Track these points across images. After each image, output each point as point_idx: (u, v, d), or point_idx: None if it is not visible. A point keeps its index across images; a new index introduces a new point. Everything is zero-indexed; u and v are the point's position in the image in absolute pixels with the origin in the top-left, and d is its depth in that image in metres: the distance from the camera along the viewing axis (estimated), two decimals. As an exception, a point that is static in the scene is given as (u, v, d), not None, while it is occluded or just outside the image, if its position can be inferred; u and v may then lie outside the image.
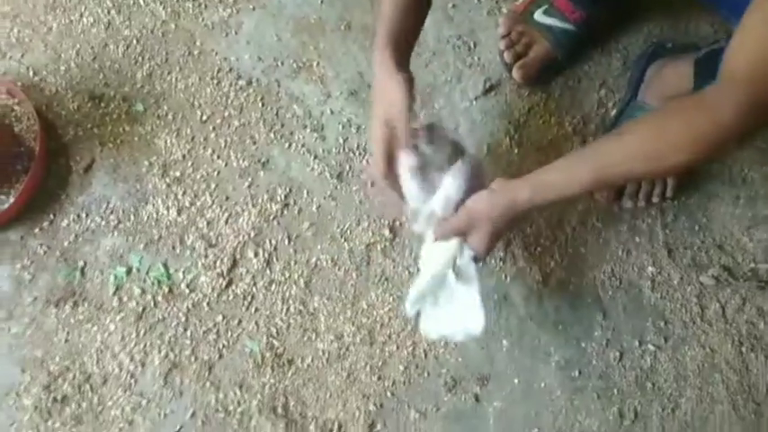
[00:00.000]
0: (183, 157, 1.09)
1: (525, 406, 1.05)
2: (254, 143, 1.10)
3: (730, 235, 1.13)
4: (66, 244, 1.05)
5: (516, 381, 1.05)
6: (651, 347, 1.08)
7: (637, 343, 1.08)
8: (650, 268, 1.11)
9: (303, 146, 1.11)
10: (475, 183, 0.91)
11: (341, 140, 1.11)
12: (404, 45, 0.87)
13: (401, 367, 1.04)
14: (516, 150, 1.13)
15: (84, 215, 1.07)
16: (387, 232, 1.08)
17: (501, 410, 1.04)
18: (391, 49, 0.84)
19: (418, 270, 0.94)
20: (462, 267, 0.88)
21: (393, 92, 0.84)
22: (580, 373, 1.07)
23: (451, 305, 0.89)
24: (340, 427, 1.01)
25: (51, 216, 1.06)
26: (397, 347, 1.05)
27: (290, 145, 1.11)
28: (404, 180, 0.92)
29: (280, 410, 1.01)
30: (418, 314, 0.91)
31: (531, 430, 1.04)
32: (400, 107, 0.84)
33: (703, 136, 0.72)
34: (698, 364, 1.08)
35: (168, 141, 1.10)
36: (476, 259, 0.89)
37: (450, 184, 0.90)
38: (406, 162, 0.92)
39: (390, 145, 0.87)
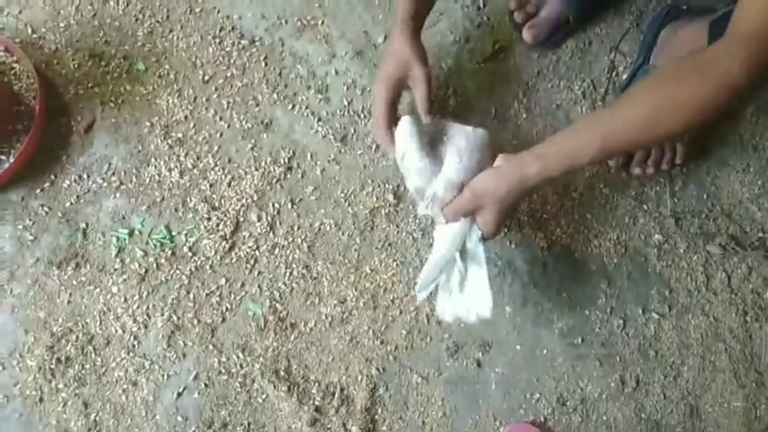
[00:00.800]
0: (185, 117, 1.07)
1: (527, 372, 1.05)
2: (257, 104, 1.08)
3: (739, 203, 1.12)
4: (67, 205, 1.04)
5: (518, 347, 1.06)
6: (655, 315, 1.08)
7: (641, 311, 1.08)
8: (657, 236, 1.10)
9: (307, 107, 1.08)
10: (479, 160, 0.89)
11: (345, 102, 1.09)
12: (421, 15, 0.95)
13: (404, 332, 1.04)
14: (524, 115, 1.11)
15: (85, 176, 1.05)
16: (391, 197, 1.07)
17: (503, 376, 1.05)
18: (414, 18, 0.92)
19: (430, 252, 0.94)
20: (471, 249, 0.88)
21: (414, 58, 0.91)
22: (583, 340, 1.07)
23: (461, 288, 0.89)
24: (342, 390, 1.02)
25: (52, 177, 1.05)
26: (400, 312, 1.05)
27: (293, 106, 1.08)
28: (406, 159, 0.91)
29: (282, 374, 1.02)
30: (432, 294, 0.91)
31: (533, 396, 1.05)
32: (422, 72, 0.91)
33: (707, 95, 0.72)
34: (701, 333, 1.08)
35: (170, 101, 1.08)
36: (484, 239, 0.88)
37: (451, 166, 0.89)
38: (407, 139, 0.91)
39: (393, 105, 0.94)
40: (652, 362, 1.07)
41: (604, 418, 1.05)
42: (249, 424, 1.01)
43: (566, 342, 1.06)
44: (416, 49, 0.92)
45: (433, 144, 0.92)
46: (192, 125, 1.07)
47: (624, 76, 1.12)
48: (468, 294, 0.88)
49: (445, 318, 0.91)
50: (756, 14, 0.70)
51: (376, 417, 1.02)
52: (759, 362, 1.08)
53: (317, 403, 1.01)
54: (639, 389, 1.06)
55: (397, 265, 1.06)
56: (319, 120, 1.08)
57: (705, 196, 1.12)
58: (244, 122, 1.07)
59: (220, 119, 1.08)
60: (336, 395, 1.01)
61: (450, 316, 0.90)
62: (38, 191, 1.04)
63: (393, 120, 0.94)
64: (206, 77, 1.09)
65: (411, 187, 0.92)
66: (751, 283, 1.10)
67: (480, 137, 0.92)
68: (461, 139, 0.91)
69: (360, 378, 1.03)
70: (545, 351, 1.06)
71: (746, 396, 1.07)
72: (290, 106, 1.08)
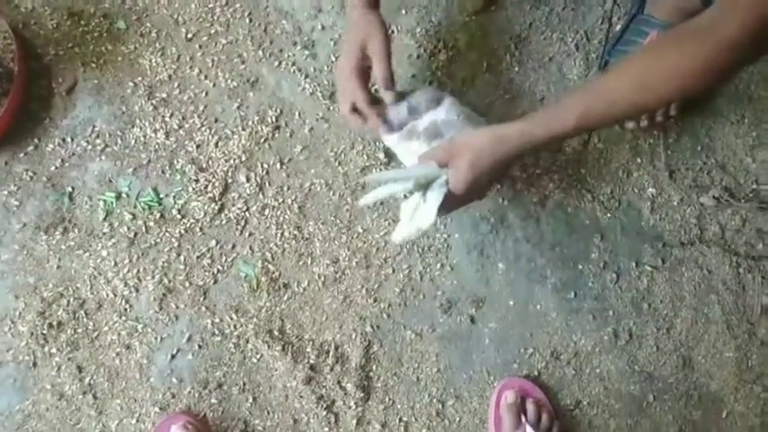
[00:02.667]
0: (170, 77, 1.05)
1: (520, 327, 1.05)
2: (243, 62, 1.06)
3: (733, 155, 1.11)
4: (52, 169, 1.02)
5: (512, 302, 1.06)
6: (648, 269, 1.08)
7: (634, 264, 1.08)
8: (650, 189, 1.09)
9: (293, 64, 1.06)
10: (469, 122, 0.89)
11: (333, 58, 1.06)
12: None
13: (397, 290, 1.04)
14: (516, 68, 1.09)
15: (69, 139, 1.03)
16: (381, 156, 1.05)
17: (496, 331, 1.05)
18: None
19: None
20: (434, 188, 0.84)
21: (371, 26, 0.87)
22: (576, 294, 1.07)
23: (414, 215, 0.85)
24: (337, 348, 1.02)
25: (35, 140, 1.03)
26: (393, 270, 1.04)
27: (279, 63, 1.06)
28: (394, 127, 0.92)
29: (276, 333, 1.02)
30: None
31: (527, 350, 1.05)
32: (380, 44, 0.87)
33: (705, 63, 0.69)
34: (694, 285, 1.08)
35: (153, 61, 1.05)
36: (450, 202, 0.83)
37: (442, 114, 0.89)
38: (393, 114, 0.92)
39: (361, 79, 0.89)
40: (645, 315, 1.07)
41: (597, 370, 1.06)
42: (244, 384, 1.01)
43: (559, 297, 1.06)
44: (372, 17, 0.88)
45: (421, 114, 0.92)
46: (176, 85, 1.05)
47: (618, 27, 1.10)
48: (417, 217, 0.85)
49: (395, 241, 0.87)
50: None
51: (371, 374, 1.03)
52: (751, 313, 1.09)
53: (311, 362, 1.01)
54: (632, 341, 1.07)
55: (389, 224, 1.05)
56: (306, 77, 1.06)
57: (699, 148, 1.10)
58: (229, 81, 1.05)
59: (205, 78, 1.05)
60: (331, 353, 1.02)
61: (399, 239, 0.87)
62: (21, 155, 1.02)
63: (368, 93, 0.91)
64: (189, 35, 1.06)
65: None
66: (744, 234, 1.10)
67: (480, 119, 0.92)
68: (459, 107, 0.91)
69: (354, 336, 1.03)
70: (538, 306, 1.06)
71: (738, 347, 1.08)
72: (276, 63, 1.06)
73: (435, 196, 0.83)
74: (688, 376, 1.07)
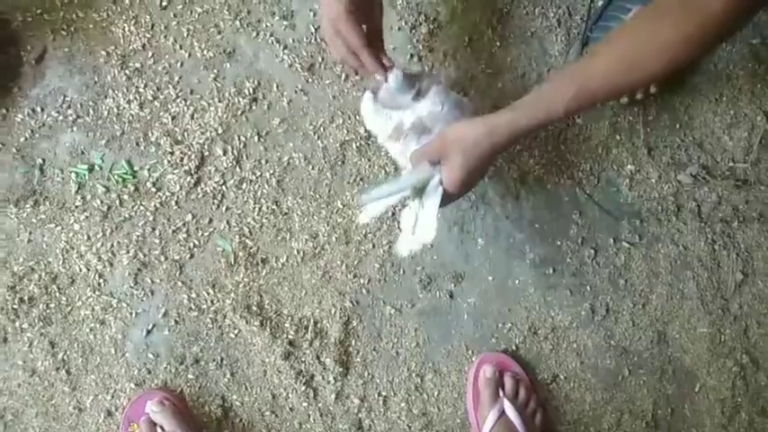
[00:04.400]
0: (143, 46, 1.02)
1: (499, 302, 1.06)
2: (219, 32, 1.03)
3: (711, 133, 1.12)
4: (22, 140, 0.99)
5: (491, 278, 1.06)
6: (626, 245, 1.08)
7: (611, 241, 1.08)
8: (629, 166, 1.09)
9: (271, 35, 1.03)
10: (456, 117, 0.87)
11: (312, 29, 1.04)
12: None
13: (377, 265, 1.03)
14: (498, 43, 1.07)
15: (39, 109, 1.00)
16: (362, 130, 1.04)
17: (475, 306, 1.05)
18: None
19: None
20: (429, 193, 0.83)
21: None
22: (554, 270, 1.07)
23: (415, 227, 0.86)
24: (316, 323, 1.02)
25: (4, 110, 0.99)
26: (373, 246, 1.03)
27: (257, 34, 1.03)
28: (380, 112, 0.89)
29: (254, 308, 1.01)
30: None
31: (505, 325, 1.06)
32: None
33: (691, 32, 0.68)
34: (670, 262, 1.09)
35: (126, 29, 1.02)
36: (444, 198, 0.83)
37: (426, 108, 0.87)
38: (372, 122, 0.90)
39: (354, 22, 0.83)
40: (622, 290, 1.08)
41: (574, 345, 1.07)
42: (222, 359, 1.00)
43: (537, 272, 1.07)
44: None
45: (413, 94, 0.89)
46: (150, 54, 1.02)
47: (600, 2, 1.09)
48: (419, 229, 0.85)
49: (401, 253, 0.87)
50: None
51: (350, 348, 1.02)
52: (726, 289, 1.11)
53: (290, 337, 1.01)
54: (609, 317, 1.08)
55: (368, 198, 1.04)
56: (285, 48, 1.03)
57: (678, 126, 1.11)
58: (205, 51, 1.02)
59: (180, 47, 1.02)
60: (310, 328, 1.01)
61: (405, 251, 0.87)
62: (-11, 125, 0.99)
63: (364, 35, 0.84)
64: (164, 3, 1.03)
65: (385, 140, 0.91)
66: (720, 212, 1.11)
67: (465, 102, 0.90)
68: (444, 95, 0.88)
69: (333, 311, 1.02)
70: (517, 282, 1.06)
71: (712, 322, 1.10)
72: (253, 34, 1.03)
73: (432, 203, 0.83)
74: (663, 351, 1.09)
